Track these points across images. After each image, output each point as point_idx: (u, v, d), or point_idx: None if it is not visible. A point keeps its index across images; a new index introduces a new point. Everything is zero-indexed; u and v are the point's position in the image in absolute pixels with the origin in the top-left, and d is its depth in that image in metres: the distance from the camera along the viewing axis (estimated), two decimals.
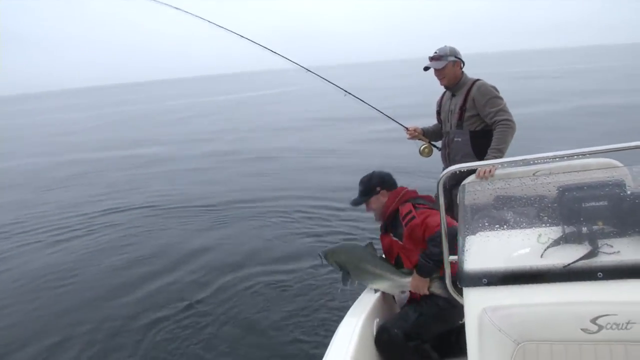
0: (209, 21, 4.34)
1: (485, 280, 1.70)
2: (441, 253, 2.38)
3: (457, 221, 2.05)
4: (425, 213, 2.78)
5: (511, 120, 3.42)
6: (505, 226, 1.89)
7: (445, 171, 1.90)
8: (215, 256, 6.24)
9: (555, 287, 1.63)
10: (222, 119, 25.02)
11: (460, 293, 1.82)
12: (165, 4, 4.32)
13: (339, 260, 3.08)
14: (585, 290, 1.60)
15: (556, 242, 1.73)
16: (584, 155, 1.74)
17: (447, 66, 3.58)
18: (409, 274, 2.79)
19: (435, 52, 3.64)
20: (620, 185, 1.72)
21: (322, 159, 12.34)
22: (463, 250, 1.83)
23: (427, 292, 2.72)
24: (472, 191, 2.00)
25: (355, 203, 3.07)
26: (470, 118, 3.57)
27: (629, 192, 1.72)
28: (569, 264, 1.62)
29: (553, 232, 1.79)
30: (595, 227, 1.71)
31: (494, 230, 1.89)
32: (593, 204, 1.71)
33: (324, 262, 3.18)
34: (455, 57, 3.60)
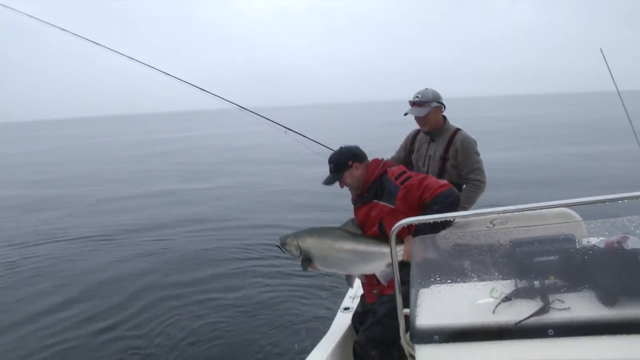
0: (153, 68, 4.23)
1: (436, 337, 1.65)
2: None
3: None
4: (421, 175, 2.70)
5: (484, 182, 3.40)
6: (458, 279, 1.86)
7: (399, 224, 1.86)
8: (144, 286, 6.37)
9: (507, 345, 1.60)
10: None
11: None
12: (118, 52, 4.25)
13: (305, 245, 2.82)
14: (536, 348, 1.57)
15: (508, 297, 1.71)
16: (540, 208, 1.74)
17: (430, 112, 3.41)
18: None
19: (417, 97, 3.43)
20: (570, 240, 1.73)
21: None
22: (415, 305, 1.78)
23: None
24: (427, 241, 1.97)
25: (330, 181, 2.86)
26: (452, 169, 3.46)
27: (578, 247, 1.73)
28: (520, 321, 1.60)
29: (505, 286, 1.77)
30: (546, 282, 1.71)
31: (446, 283, 1.85)
32: (544, 258, 1.71)
33: (285, 250, 2.90)
34: (438, 102, 3.44)
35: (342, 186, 2.89)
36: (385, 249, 2.61)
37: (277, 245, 2.96)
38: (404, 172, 2.77)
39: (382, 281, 2.71)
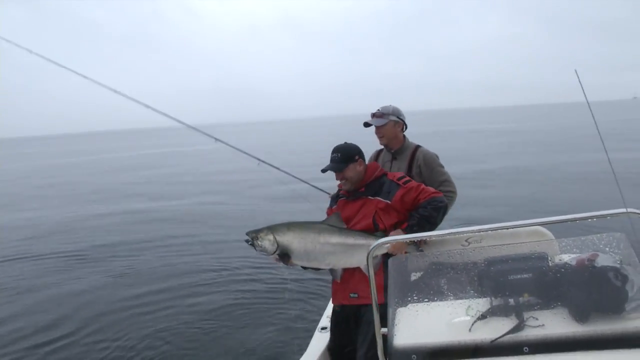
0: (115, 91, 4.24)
1: (414, 357, 1.66)
2: (437, 217, 2.65)
3: None
4: (417, 181, 2.91)
5: (455, 192, 3.44)
6: (435, 297, 1.87)
7: (375, 243, 1.86)
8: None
9: None
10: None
11: None
12: (74, 72, 4.22)
13: (284, 239, 2.70)
14: None
15: (484, 315, 1.72)
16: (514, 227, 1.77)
17: (388, 124, 3.48)
18: (382, 236, 2.64)
19: (378, 110, 3.55)
20: (543, 258, 1.77)
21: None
22: (393, 324, 1.77)
23: (404, 252, 2.62)
24: (403, 261, 1.98)
25: (335, 168, 2.88)
26: None
27: (551, 265, 1.76)
28: (496, 339, 1.62)
29: (481, 304, 1.79)
30: (521, 299, 1.73)
31: (423, 302, 1.86)
32: (518, 276, 1.74)
33: (257, 245, 2.72)
34: (398, 117, 3.51)
35: (339, 178, 2.93)
36: (374, 241, 2.63)
37: (245, 240, 2.77)
38: (404, 175, 2.96)
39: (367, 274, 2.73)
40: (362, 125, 3.60)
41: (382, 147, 3.70)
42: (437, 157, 3.54)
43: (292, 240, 2.70)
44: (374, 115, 3.55)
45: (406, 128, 3.59)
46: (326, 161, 2.92)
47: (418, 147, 3.57)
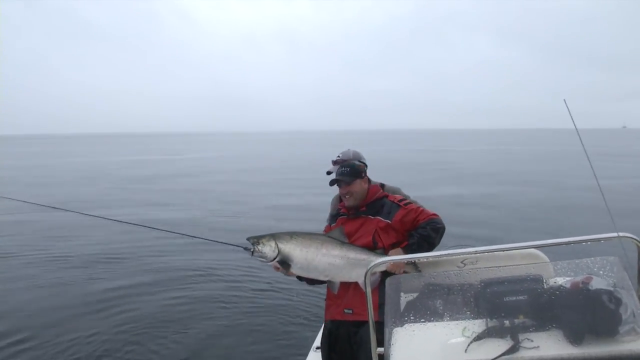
0: None
1: None
2: (436, 238, 2.80)
3: None
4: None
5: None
6: (431, 318, 1.88)
7: (373, 264, 1.88)
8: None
9: None
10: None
11: None
12: None
13: (285, 247, 2.72)
14: None
15: (480, 337, 1.73)
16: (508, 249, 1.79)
17: (356, 183, 3.25)
18: (382, 254, 2.71)
19: (339, 156, 3.54)
20: (538, 280, 1.79)
21: None
22: (390, 344, 1.78)
23: (401, 272, 2.63)
24: (400, 282, 1.99)
25: (346, 181, 2.92)
26: None
27: (546, 287, 1.78)
28: None
29: (477, 325, 1.80)
30: (516, 321, 1.74)
31: (420, 322, 1.87)
32: (513, 298, 1.76)
33: (257, 250, 2.73)
34: (359, 161, 3.38)
35: (344, 192, 2.97)
36: (375, 257, 2.68)
37: (245, 247, 2.77)
38: (405, 198, 3.06)
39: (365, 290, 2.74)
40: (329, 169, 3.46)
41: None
42: (399, 190, 3.52)
43: (294, 248, 2.73)
44: (335, 162, 3.50)
45: (367, 168, 3.31)
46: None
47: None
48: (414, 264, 2.70)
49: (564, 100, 1.72)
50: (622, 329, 1.63)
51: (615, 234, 1.63)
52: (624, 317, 1.64)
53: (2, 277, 7.99)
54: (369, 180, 3.08)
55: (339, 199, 3.67)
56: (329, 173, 3.50)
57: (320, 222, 3.53)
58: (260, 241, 2.75)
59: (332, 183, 3.06)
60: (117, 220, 4.30)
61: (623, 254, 1.68)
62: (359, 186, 2.96)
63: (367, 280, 1.84)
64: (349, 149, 3.55)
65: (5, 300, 6.90)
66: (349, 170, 2.98)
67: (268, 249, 2.73)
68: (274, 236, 2.77)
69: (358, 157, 3.47)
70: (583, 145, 1.78)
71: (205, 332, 5.61)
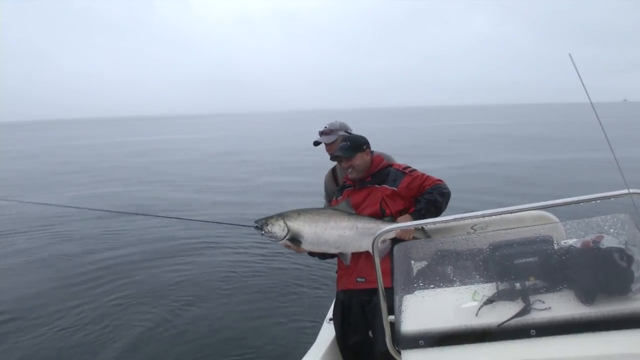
0: None
1: (422, 342, 1.65)
2: (443, 202, 2.82)
3: None
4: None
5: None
6: (441, 284, 1.88)
7: (380, 232, 1.86)
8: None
9: (491, 347, 1.62)
10: None
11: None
12: None
13: (295, 224, 2.77)
14: (519, 348, 1.59)
15: (490, 300, 1.73)
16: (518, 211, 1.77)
17: (337, 140, 3.46)
18: (390, 221, 2.73)
19: (326, 127, 3.56)
20: (548, 241, 1.77)
21: None
22: (400, 311, 1.78)
23: (411, 237, 2.69)
24: (408, 249, 1.98)
25: (347, 155, 2.95)
26: None
27: (556, 248, 1.77)
28: (502, 323, 1.62)
29: (487, 289, 1.79)
30: (527, 283, 1.73)
31: (430, 288, 1.86)
32: (523, 260, 1.74)
33: (267, 230, 2.79)
34: (345, 131, 3.52)
35: (346, 166, 2.99)
36: (383, 225, 2.69)
37: (255, 227, 2.84)
38: (409, 166, 3.07)
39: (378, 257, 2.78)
40: (313, 144, 3.55)
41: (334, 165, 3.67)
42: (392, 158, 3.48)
43: (302, 225, 2.77)
44: (322, 133, 3.54)
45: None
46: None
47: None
48: (422, 230, 2.71)
49: (569, 54, 1.67)
50: (635, 286, 1.61)
51: (626, 191, 1.60)
52: (636, 274, 1.62)
53: None
54: (371, 151, 3.08)
55: (332, 177, 3.71)
56: (315, 144, 3.55)
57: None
58: (268, 222, 2.80)
59: (333, 159, 3.10)
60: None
61: (635, 211, 1.65)
62: (360, 159, 2.98)
63: (374, 249, 1.83)
64: (335, 120, 3.57)
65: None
66: (349, 144, 2.99)
67: (277, 228, 2.78)
68: (282, 215, 2.82)
69: (345, 128, 3.52)
70: (590, 98, 1.73)
71: (221, 310, 5.72)
